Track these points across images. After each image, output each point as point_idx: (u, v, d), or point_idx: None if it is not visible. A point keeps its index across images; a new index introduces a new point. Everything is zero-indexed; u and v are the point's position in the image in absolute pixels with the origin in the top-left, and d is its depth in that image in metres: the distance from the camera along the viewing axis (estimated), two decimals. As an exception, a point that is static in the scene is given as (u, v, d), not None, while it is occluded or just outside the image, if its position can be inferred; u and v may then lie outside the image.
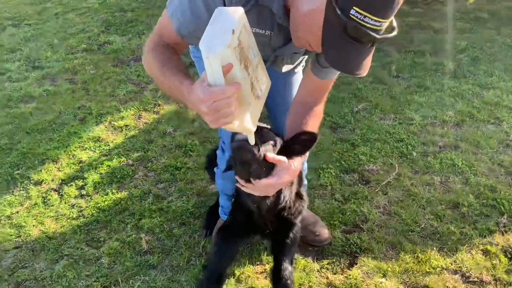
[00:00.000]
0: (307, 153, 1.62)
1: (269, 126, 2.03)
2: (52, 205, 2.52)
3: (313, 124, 1.63)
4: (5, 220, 2.42)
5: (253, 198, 1.63)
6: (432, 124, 3.09)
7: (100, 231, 2.34)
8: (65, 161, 2.84)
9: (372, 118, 3.17)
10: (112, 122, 3.22)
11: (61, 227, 2.37)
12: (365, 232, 2.30)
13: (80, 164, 2.81)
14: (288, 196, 1.72)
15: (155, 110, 3.34)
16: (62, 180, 2.69)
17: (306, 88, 1.68)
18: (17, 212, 2.47)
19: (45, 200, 2.55)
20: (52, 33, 4.72)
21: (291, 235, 1.87)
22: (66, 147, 2.96)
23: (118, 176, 2.69)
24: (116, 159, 2.84)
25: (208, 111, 1.12)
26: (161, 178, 2.67)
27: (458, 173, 2.66)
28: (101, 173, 2.73)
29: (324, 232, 2.26)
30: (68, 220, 2.41)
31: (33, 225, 2.38)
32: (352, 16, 1.05)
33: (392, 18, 1.14)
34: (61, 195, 2.59)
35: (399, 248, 2.20)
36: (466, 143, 2.89)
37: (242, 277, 2.09)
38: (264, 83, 1.33)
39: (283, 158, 1.42)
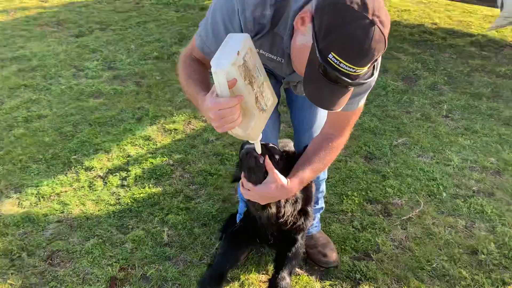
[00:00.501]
0: (310, 178, 1.71)
1: (292, 142, 2.19)
2: (96, 190, 2.82)
3: (326, 158, 1.72)
4: (54, 197, 2.75)
5: (254, 206, 1.78)
6: (471, 168, 3.04)
7: (130, 219, 2.59)
8: (116, 153, 3.16)
9: (409, 154, 3.18)
10: (164, 125, 3.51)
11: (98, 210, 2.65)
12: (374, 262, 2.33)
13: (128, 158, 3.11)
14: (290, 212, 1.84)
15: (203, 118, 3.59)
16: (109, 169, 3.00)
17: (328, 120, 1.76)
18: (66, 191, 2.80)
19: (91, 185, 2.86)
20: (131, 39, 5.20)
21: (293, 249, 1.98)
22: (119, 141, 3.29)
23: (158, 173, 2.95)
24: (160, 158, 3.10)
25: (214, 118, 1.30)
26: (194, 181, 2.88)
27: (486, 220, 2.60)
28: (143, 168, 3.00)
29: (332, 255, 2.32)
30: (106, 205, 2.69)
31: (76, 205, 2.69)
32: (329, 59, 1.18)
33: (376, 64, 1.24)
34: (105, 182, 2.89)
35: (404, 283, 2.21)
36: (502, 192, 2.81)
37: (246, 283, 2.22)
38: (269, 100, 1.50)
39: (277, 173, 1.55)
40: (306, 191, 1.99)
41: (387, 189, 2.83)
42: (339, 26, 1.16)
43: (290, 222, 1.87)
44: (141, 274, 2.25)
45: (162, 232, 2.49)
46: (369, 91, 1.59)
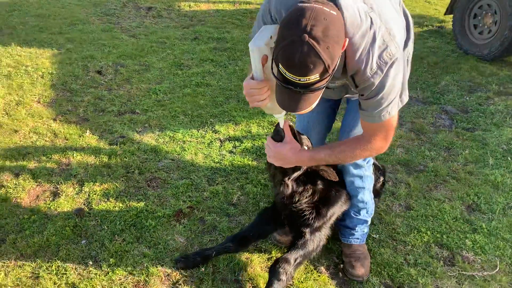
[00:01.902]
0: (322, 160, 1.87)
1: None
2: (211, 148, 3.39)
3: (345, 152, 1.85)
4: (180, 142, 3.44)
5: (273, 178, 2.04)
6: None
7: (220, 177, 3.07)
8: (241, 127, 3.68)
9: (523, 220, 2.77)
10: (290, 117, 3.87)
11: (203, 163, 3.21)
12: (401, 295, 2.25)
13: (247, 133, 3.60)
14: (304, 201, 2.03)
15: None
16: (229, 137, 3.55)
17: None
18: (190, 141, 3.46)
19: (210, 143, 3.45)
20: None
21: (301, 240, 2.14)
22: (250, 119, 3.80)
23: (262, 152, 3.34)
24: (272, 141, 3.49)
25: (245, 94, 1.70)
26: (285, 167, 3.18)
27: None
28: (254, 145, 3.44)
29: (360, 270, 2.32)
30: (210, 161, 3.23)
31: (191, 153, 3.31)
32: (279, 69, 1.44)
33: (330, 72, 1.42)
34: (221, 145, 3.44)
35: (417, 326, 2.09)
36: None
37: (274, 258, 2.44)
38: None
39: (293, 138, 1.85)
40: (328, 192, 2.11)
41: (467, 241, 2.59)
42: (279, 41, 1.42)
43: (299, 209, 2.03)
44: (201, 217, 2.70)
45: (235, 194, 2.89)
46: (389, 105, 1.65)
